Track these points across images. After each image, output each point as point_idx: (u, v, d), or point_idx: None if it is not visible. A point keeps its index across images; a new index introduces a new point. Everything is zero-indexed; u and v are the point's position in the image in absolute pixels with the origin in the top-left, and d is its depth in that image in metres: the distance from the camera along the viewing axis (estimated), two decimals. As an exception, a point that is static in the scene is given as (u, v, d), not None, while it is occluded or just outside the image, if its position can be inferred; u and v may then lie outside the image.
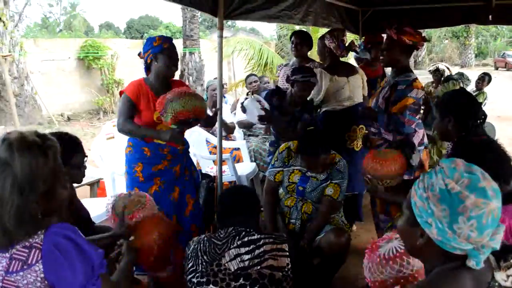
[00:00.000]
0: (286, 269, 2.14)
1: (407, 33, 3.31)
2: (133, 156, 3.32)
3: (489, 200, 1.27)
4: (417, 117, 3.32)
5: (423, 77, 14.26)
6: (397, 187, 2.84)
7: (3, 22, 10.94)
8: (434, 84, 7.09)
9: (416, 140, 3.36)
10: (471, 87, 7.36)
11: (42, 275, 1.45)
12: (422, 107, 3.92)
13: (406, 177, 2.97)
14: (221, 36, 4.11)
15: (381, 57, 3.54)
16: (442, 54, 31.24)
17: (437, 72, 7.22)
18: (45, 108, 11.70)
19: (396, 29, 3.32)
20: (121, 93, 3.34)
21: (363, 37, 6.27)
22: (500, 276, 1.34)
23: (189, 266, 2.22)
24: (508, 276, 1.34)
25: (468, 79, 6.97)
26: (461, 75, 7.05)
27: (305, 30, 6.62)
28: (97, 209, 3.83)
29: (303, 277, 2.31)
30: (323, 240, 3.04)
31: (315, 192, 3.20)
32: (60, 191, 1.59)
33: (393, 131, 3.34)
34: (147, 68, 3.34)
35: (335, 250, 2.97)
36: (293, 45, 4.68)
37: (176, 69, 3.34)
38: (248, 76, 6.34)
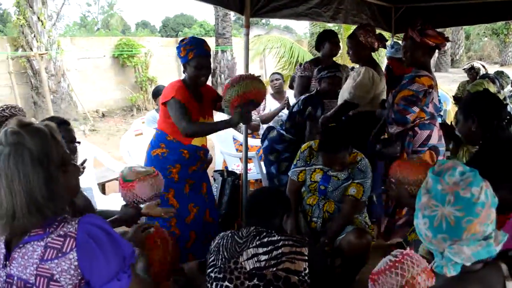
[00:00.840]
0: (303, 274, 2.10)
1: (430, 36, 3.31)
2: (169, 158, 3.31)
3: (442, 205, 1.28)
4: (414, 108, 3.28)
5: (460, 75, 13.91)
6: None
7: (41, 21, 11.18)
8: (468, 83, 6.87)
9: (418, 140, 3.38)
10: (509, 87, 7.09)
11: (76, 263, 1.47)
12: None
13: None
14: (247, 35, 4.07)
15: (403, 58, 3.52)
16: (481, 52, 30.16)
17: (472, 71, 6.99)
18: (81, 104, 11.92)
19: (419, 31, 3.32)
20: (165, 98, 3.24)
21: (396, 35, 6.15)
22: None
23: (210, 260, 2.23)
24: None
25: (508, 77, 6.71)
26: (500, 73, 6.77)
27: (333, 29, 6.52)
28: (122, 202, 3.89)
29: (324, 277, 2.25)
30: (343, 240, 3.00)
31: (337, 191, 3.17)
32: (72, 166, 1.65)
33: (392, 123, 3.36)
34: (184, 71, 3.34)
35: (356, 251, 2.93)
36: (333, 44, 4.59)
37: (205, 75, 3.28)
38: (271, 75, 6.31)
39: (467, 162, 2.66)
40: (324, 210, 3.21)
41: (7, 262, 1.52)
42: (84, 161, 2.95)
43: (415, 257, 1.80)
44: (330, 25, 8.52)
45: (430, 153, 3.43)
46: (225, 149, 5.18)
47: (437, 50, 3.54)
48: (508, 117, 2.55)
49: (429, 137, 3.42)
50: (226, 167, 5.05)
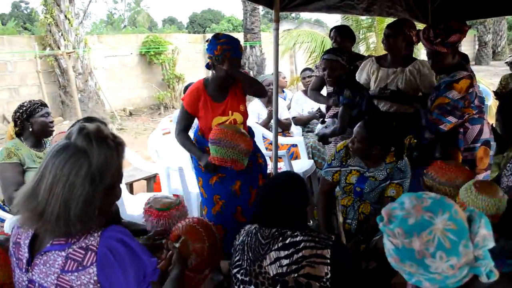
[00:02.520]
0: (324, 279, 1.99)
1: (453, 33, 3.15)
2: None
3: (431, 225, 1.23)
4: (449, 118, 3.17)
5: (502, 69, 13.42)
6: None
7: (69, 19, 11.17)
8: (511, 77, 6.48)
9: (470, 137, 3.29)
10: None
11: (96, 278, 1.47)
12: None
13: None
14: (276, 29, 3.94)
15: (432, 66, 3.39)
16: (525, 43, 29.22)
17: (516, 64, 6.63)
18: (108, 103, 11.92)
19: (428, 40, 3.21)
20: (182, 99, 3.40)
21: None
22: None
23: (236, 259, 2.17)
24: None
25: (554, 70, 6.31)
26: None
27: (346, 25, 6.25)
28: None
29: (350, 282, 2.11)
30: (379, 242, 2.78)
31: (374, 192, 3.04)
32: (118, 189, 1.63)
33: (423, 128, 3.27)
34: (208, 67, 3.28)
35: None
36: (332, 41, 4.45)
37: (234, 78, 3.25)
38: (302, 71, 6.09)
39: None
40: (360, 211, 3.09)
41: (29, 267, 1.53)
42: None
43: None
44: (363, 18, 8.24)
45: (485, 149, 3.31)
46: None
47: (477, 42, 3.37)
48: None
49: (481, 131, 3.30)
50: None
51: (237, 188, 3.42)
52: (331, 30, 4.62)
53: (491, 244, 1.25)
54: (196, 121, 3.41)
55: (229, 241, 3.25)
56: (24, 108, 3.27)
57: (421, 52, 9.63)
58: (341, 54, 3.66)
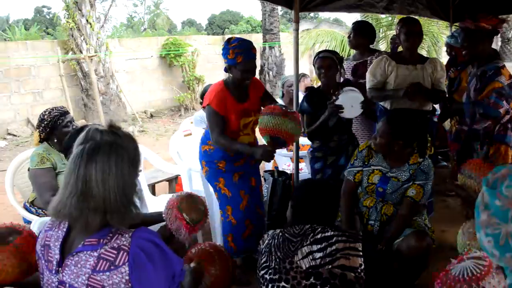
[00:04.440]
0: (358, 270, 2.05)
1: (484, 19, 3.19)
2: (216, 153, 3.44)
3: (505, 222, 1.15)
4: (504, 102, 3.18)
5: (524, 65, 13.12)
6: None
7: (90, 24, 11.31)
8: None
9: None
10: None
11: (127, 277, 1.49)
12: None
13: None
14: (296, 29, 3.93)
15: (463, 52, 3.38)
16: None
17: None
18: (129, 105, 12.02)
19: (471, 19, 3.22)
20: (205, 101, 3.35)
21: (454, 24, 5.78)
22: None
23: (262, 261, 2.19)
24: None
25: None
26: None
27: (366, 20, 6.19)
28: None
29: (382, 281, 2.20)
30: (403, 244, 2.82)
31: (396, 193, 2.99)
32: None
33: (480, 119, 3.24)
34: (227, 70, 3.34)
35: (416, 255, 2.75)
36: (348, 37, 4.46)
37: (250, 79, 3.34)
38: (301, 76, 6.03)
39: None
40: (382, 213, 3.04)
41: (60, 269, 1.55)
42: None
43: (496, 275, 1.55)
44: (383, 16, 8.17)
45: None
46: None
47: (500, 38, 3.37)
48: None
49: None
50: (277, 167, 4.91)
51: (254, 184, 3.58)
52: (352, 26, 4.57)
53: None
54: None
55: (255, 235, 3.36)
56: (46, 122, 3.27)
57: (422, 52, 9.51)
58: (334, 54, 3.67)
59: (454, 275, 1.60)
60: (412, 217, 3.00)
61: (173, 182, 5.08)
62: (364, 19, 7.00)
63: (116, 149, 1.56)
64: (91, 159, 1.53)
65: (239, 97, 3.35)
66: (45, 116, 3.30)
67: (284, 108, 3.14)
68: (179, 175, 4.87)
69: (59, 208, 1.55)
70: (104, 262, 1.50)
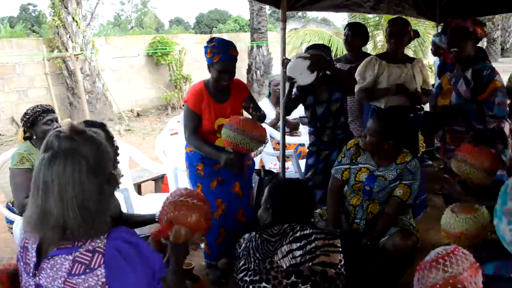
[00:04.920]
0: (339, 266, 2.08)
1: (480, 25, 3.28)
2: (194, 156, 3.42)
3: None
4: (508, 100, 3.27)
5: (511, 65, 13.29)
6: (483, 190, 2.68)
7: (76, 21, 11.21)
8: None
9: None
10: None
11: (103, 280, 1.47)
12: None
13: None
14: (284, 29, 3.93)
15: (454, 49, 3.37)
16: (534, 39, 28.87)
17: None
18: (116, 104, 11.94)
19: (472, 20, 3.27)
20: (185, 101, 3.40)
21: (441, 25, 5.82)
22: None
23: (241, 264, 2.19)
24: None
25: None
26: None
27: (360, 22, 6.23)
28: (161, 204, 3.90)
29: (367, 279, 2.23)
30: (388, 242, 2.83)
31: (383, 192, 2.99)
32: (116, 175, 1.68)
33: (486, 119, 3.25)
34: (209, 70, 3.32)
35: (401, 253, 2.77)
36: (344, 37, 4.42)
37: (227, 80, 3.27)
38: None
39: None
40: (368, 211, 3.04)
41: (37, 272, 1.53)
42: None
43: (463, 254, 1.71)
44: (370, 16, 8.21)
45: None
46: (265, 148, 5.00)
47: (485, 38, 3.44)
48: None
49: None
50: (263, 166, 4.92)
51: (238, 190, 3.47)
52: (345, 27, 4.58)
53: None
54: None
55: (229, 240, 3.34)
56: (27, 116, 3.25)
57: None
58: (324, 49, 3.69)
59: (427, 260, 1.73)
60: (399, 216, 3.00)
61: (159, 181, 5.05)
62: (351, 21, 7.06)
63: (72, 157, 1.46)
64: (47, 171, 1.46)
65: (218, 98, 3.34)
66: (28, 111, 3.28)
67: (246, 123, 3.04)
68: (165, 175, 4.86)
69: (27, 220, 1.52)
70: (79, 266, 1.47)
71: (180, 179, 4.49)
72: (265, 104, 5.50)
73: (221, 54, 3.17)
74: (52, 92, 10.49)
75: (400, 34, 3.83)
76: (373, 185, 3.02)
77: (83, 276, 1.46)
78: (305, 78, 3.48)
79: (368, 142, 2.97)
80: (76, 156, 1.46)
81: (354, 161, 3.11)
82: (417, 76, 3.88)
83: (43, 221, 1.46)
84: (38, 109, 3.27)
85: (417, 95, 3.83)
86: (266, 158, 5.12)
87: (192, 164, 3.45)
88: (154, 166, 4.68)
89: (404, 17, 4.49)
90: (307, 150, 3.97)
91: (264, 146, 3.16)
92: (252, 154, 3.14)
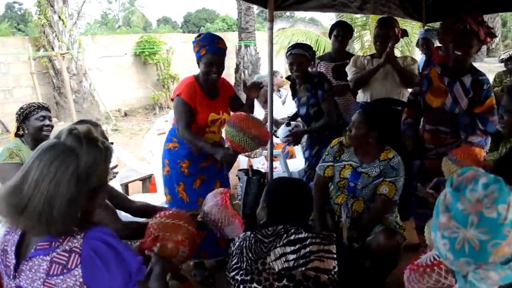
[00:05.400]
0: (332, 272, 2.02)
1: (484, 27, 3.22)
2: (179, 152, 3.38)
3: (464, 227, 1.16)
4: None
5: (497, 65, 13.40)
6: None
7: (62, 20, 11.13)
8: (505, 74, 6.43)
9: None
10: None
11: (81, 280, 1.47)
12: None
13: None
14: (271, 29, 3.93)
15: (458, 52, 3.29)
16: (519, 40, 29.19)
17: (510, 60, 6.59)
18: (103, 104, 11.87)
19: (475, 21, 3.24)
20: (174, 93, 3.33)
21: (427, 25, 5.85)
22: None
23: (233, 263, 2.15)
24: None
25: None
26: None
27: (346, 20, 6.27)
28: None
29: (355, 280, 2.14)
30: (373, 241, 2.85)
31: (367, 189, 3.00)
32: (102, 195, 1.64)
33: (475, 131, 3.27)
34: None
35: (386, 252, 2.78)
36: (336, 37, 4.47)
37: (215, 73, 3.24)
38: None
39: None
40: (353, 209, 3.06)
41: (16, 274, 1.53)
42: (115, 166, 3.09)
43: None
44: (358, 16, 8.24)
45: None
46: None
47: None
48: None
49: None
50: (251, 166, 4.90)
51: (218, 187, 3.39)
52: (334, 26, 4.62)
53: None
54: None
55: (211, 242, 3.31)
56: (22, 110, 3.28)
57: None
58: (308, 49, 3.74)
59: (422, 262, 1.69)
60: (385, 213, 3.01)
61: (147, 181, 5.03)
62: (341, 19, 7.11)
63: (66, 156, 1.47)
64: (40, 156, 1.48)
65: (209, 93, 3.31)
66: (24, 105, 3.32)
67: (249, 122, 3.01)
68: (153, 175, 4.84)
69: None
70: (57, 266, 1.47)
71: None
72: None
73: (208, 46, 3.15)
74: (38, 91, 10.40)
75: (386, 37, 3.87)
76: (357, 182, 3.04)
77: (61, 277, 1.47)
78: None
79: (353, 134, 3.00)
80: (71, 156, 1.47)
81: (337, 158, 3.15)
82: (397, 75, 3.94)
83: (9, 195, 1.46)
84: (34, 105, 3.31)
85: (407, 74, 3.87)
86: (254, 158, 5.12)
87: (175, 161, 3.38)
88: (141, 166, 4.65)
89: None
90: (305, 143, 4.08)
91: (263, 149, 3.16)
92: (252, 154, 3.12)
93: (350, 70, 4.04)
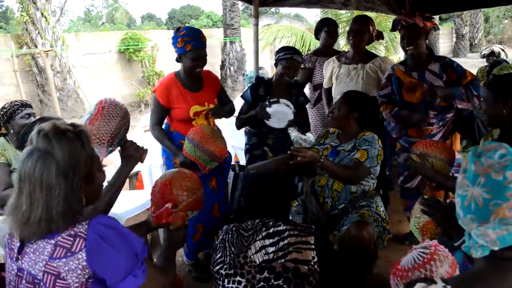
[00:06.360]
0: (312, 263, 2.10)
1: (428, 19, 3.38)
2: None
3: (473, 185, 1.27)
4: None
5: (479, 60, 13.56)
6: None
7: (45, 17, 11.01)
8: (488, 69, 6.51)
9: None
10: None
11: (84, 263, 1.51)
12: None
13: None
14: (256, 25, 3.94)
15: (409, 47, 3.44)
16: (501, 35, 29.11)
17: (492, 56, 6.66)
18: (87, 101, 11.77)
19: (420, 16, 3.36)
20: (153, 91, 3.39)
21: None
22: None
23: (217, 257, 2.22)
24: None
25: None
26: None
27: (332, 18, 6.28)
28: (136, 201, 4.04)
29: (333, 266, 2.21)
30: (346, 232, 2.88)
31: (343, 162, 3.11)
32: (98, 174, 1.70)
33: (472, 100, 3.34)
34: (178, 60, 3.31)
35: (357, 244, 2.80)
36: (327, 34, 4.51)
37: (201, 67, 3.30)
38: None
39: None
40: (333, 189, 3.14)
41: (20, 256, 1.59)
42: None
43: (443, 253, 1.75)
44: (342, 12, 8.26)
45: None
46: (236, 143, 5.00)
47: (454, 34, 3.58)
48: None
49: None
50: (238, 162, 4.90)
51: (214, 184, 3.49)
52: (324, 22, 4.63)
53: None
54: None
55: (205, 239, 3.38)
56: (5, 110, 3.27)
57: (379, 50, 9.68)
58: (297, 55, 3.71)
59: (403, 265, 1.74)
60: (355, 174, 3.02)
61: (133, 178, 5.00)
62: (323, 18, 7.13)
63: (44, 159, 1.52)
64: (23, 168, 1.54)
65: (191, 87, 3.33)
66: (6, 105, 3.33)
67: (206, 138, 3.02)
68: (140, 172, 4.83)
69: (6, 209, 1.60)
70: (60, 249, 1.52)
71: (154, 176, 4.47)
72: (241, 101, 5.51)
73: (194, 41, 3.16)
74: (22, 89, 10.28)
75: (360, 31, 3.93)
76: (334, 157, 3.16)
77: (64, 260, 1.51)
78: (280, 123, 3.58)
79: (335, 116, 3.18)
80: (48, 157, 1.52)
81: (321, 142, 3.34)
82: (367, 76, 3.95)
83: (12, 213, 1.56)
84: (17, 103, 3.31)
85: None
86: (241, 153, 5.11)
87: (169, 158, 3.43)
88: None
89: (375, 13, 4.56)
90: (245, 151, 4.01)
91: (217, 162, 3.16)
92: (207, 168, 3.13)
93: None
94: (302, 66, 4.48)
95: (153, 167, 4.40)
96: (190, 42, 3.15)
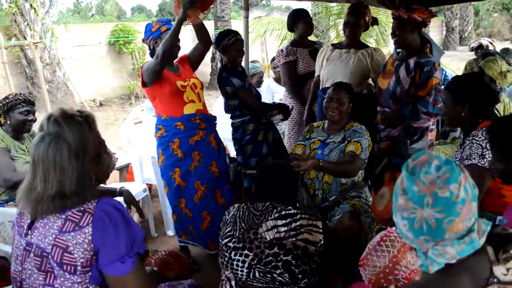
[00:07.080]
0: (318, 245, 2.27)
1: (416, 10, 3.34)
2: (167, 135, 3.40)
3: (421, 207, 1.26)
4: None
5: (469, 53, 13.62)
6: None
7: (34, 8, 10.91)
8: (475, 62, 6.53)
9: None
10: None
11: (90, 238, 1.59)
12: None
13: None
14: (246, 17, 3.95)
15: (394, 39, 3.51)
16: (490, 28, 29.21)
17: (480, 49, 6.69)
18: (77, 94, 11.71)
19: (405, 8, 3.36)
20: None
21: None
22: (499, 271, 1.28)
23: (227, 230, 2.37)
24: (508, 270, 1.28)
25: (515, 55, 6.38)
26: (506, 51, 6.45)
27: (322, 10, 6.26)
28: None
29: (334, 252, 2.38)
30: (338, 222, 2.94)
31: (333, 153, 3.17)
32: (105, 156, 1.81)
33: (419, 116, 3.39)
34: (152, 54, 3.34)
35: (348, 233, 2.85)
36: (305, 26, 4.47)
37: (178, 49, 3.36)
38: (272, 60, 5.93)
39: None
40: (324, 181, 3.19)
41: (29, 231, 1.67)
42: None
43: (394, 233, 1.84)
44: (333, 5, 8.26)
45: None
46: (226, 135, 5.01)
47: (444, 27, 3.55)
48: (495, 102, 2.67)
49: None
50: (228, 154, 4.91)
51: (215, 169, 3.51)
52: (301, 14, 4.55)
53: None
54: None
55: (217, 226, 3.32)
56: (7, 101, 3.30)
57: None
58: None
59: (371, 245, 1.88)
60: (352, 167, 3.06)
61: (124, 170, 5.01)
62: (313, 10, 7.12)
63: (55, 142, 1.63)
64: (35, 153, 1.65)
65: (171, 69, 3.40)
66: (10, 96, 3.35)
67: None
68: (130, 164, 4.83)
69: (19, 191, 1.72)
70: (70, 223, 1.60)
71: (145, 168, 4.47)
72: (272, 85, 5.71)
73: (168, 24, 3.33)
74: (11, 81, 10.19)
75: (356, 24, 3.94)
76: (324, 149, 3.22)
77: (72, 233, 1.59)
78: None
79: (343, 110, 3.24)
80: (60, 140, 1.63)
81: (307, 137, 3.40)
82: (358, 61, 3.93)
83: (27, 194, 1.66)
84: (20, 98, 3.33)
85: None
86: (231, 145, 5.10)
87: (167, 147, 3.40)
88: (118, 155, 4.63)
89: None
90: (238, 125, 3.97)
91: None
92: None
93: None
94: (285, 60, 4.49)
95: (143, 159, 4.40)
96: (165, 24, 3.32)
